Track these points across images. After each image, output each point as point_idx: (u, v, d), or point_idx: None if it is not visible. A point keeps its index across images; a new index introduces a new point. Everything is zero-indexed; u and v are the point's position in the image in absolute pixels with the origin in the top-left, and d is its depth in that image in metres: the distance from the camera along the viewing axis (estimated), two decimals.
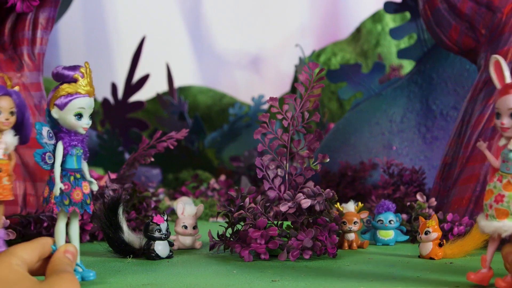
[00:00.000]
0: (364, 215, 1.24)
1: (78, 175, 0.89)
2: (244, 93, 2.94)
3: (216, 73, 3.30)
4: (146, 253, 1.09)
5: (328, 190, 1.12)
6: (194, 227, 1.21)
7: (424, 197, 1.35)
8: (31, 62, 1.42)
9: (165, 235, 1.10)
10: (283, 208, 1.09)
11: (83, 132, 0.89)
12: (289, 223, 1.11)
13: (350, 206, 1.24)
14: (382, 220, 1.26)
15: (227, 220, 1.15)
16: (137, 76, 2.31)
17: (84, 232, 1.30)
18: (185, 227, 1.20)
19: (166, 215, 1.11)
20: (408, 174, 1.51)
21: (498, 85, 0.86)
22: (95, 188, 0.91)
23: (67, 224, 0.90)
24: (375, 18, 2.83)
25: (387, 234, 1.26)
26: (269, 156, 1.13)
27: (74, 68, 0.88)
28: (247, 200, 1.12)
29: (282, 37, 3.18)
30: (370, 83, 2.00)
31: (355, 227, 1.21)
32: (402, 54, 2.00)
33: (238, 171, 2.12)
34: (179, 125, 2.35)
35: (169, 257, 1.11)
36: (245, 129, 2.43)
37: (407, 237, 1.28)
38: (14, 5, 1.33)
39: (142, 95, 2.39)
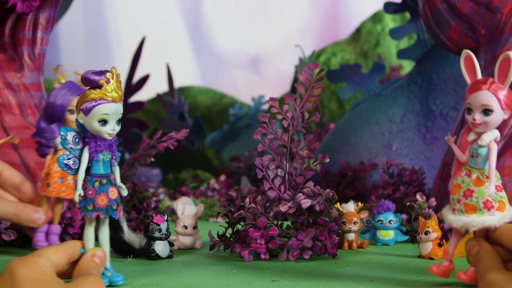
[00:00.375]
0: (364, 215, 1.24)
1: (104, 181, 0.88)
2: (244, 93, 2.94)
3: (216, 73, 3.30)
4: (146, 253, 1.10)
5: (328, 190, 1.12)
6: (194, 227, 1.21)
7: (424, 197, 1.35)
8: (32, 63, 1.42)
9: (165, 235, 1.10)
10: (283, 208, 1.10)
11: (109, 138, 0.88)
12: (289, 223, 1.11)
13: (350, 206, 1.24)
14: (382, 220, 1.26)
15: (227, 220, 1.15)
16: (137, 76, 2.31)
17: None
18: (185, 227, 1.20)
19: (166, 215, 1.12)
20: (408, 174, 1.51)
21: (468, 80, 0.87)
22: (124, 193, 0.90)
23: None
24: (375, 18, 2.83)
25: (387, 234, 1.26)
26: (269, 156, 1.13)
27: (101, 73, 0.86)
28: (247, 200, 1.12)
29: (282, 37, 3.18)
30: (370, 83, 2.00)
31: (355, 227, 1.21)
32: (402, 54, 2.00)
33: (238, 171, 2.12)
34: (179, 125, 2.35)
35: (169, 257, 1.11)
36: (245, 129, 2.43)
37: (407, 237, 1.28)
38: (14, 6, 1.33)
39: (142, 96, 2.39)
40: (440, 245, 1.11)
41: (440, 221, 1.20)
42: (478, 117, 0.85)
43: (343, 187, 1.80)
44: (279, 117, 1.12)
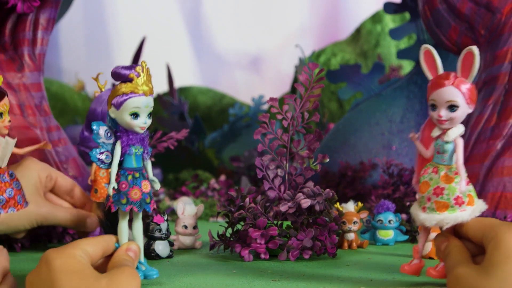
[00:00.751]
0: (364, 215, 1.24)
1: (137, 174, 0.88)
2: (244, 94, 2.94)
3: (216, 73, 3.30)
4: (147, 253, 1.10)
5: (328, 190, 1.13)
6: (194, 227, 1.21)
7: None
8: (32, 63, 1.42)
9: (165, 235, 1.10)
10: (283, 208, 1.10)
11: (140, 131, 0.88)
12: (289, 223, 1.11)
13: (350, 206, 1.24)
14: (381, 220, 1.26)
15: (227, 220, 1.15)
16: None
17: (85, 234, 1.30)
18: (185, 227, 1.20)
19: (166, 215, 1.12)
20: (407, 174, 1.52)
21: (429, 76, 0.86)
22: (157, 187, 0.91)
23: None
24: (375, 18, 2.83)
25: (387, 234, 1.27)
26: (269, 156, 1.13)
27: (131, 67, 0.87)
28: (247, 200, 1.13)
29: (282, 37, 3.18)
30: (370, 83, 2.00)
31: (354, 227, 1.22)
32: (401, 54, 2.00)
33: (238, 171, 2.13)
34: (179, 125, 2.36)
35: (169, 257, 1.12)
36: (245, 129, 2.43)
37: (406, 237, 1.28)
38: (14, 6, 1.33)
39: None
40: None
41: None
42: (444, 113, 0.84)
43: (343, 187, 1.80)
44: (279, 117, 1.12)
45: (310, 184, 1.12)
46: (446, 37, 1.48)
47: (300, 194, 1.11)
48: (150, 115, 0.88)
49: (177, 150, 2.17)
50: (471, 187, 0.86)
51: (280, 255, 1.08)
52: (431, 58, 0.86)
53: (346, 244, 1.22)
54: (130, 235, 1.12)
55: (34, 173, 1.14)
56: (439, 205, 0.85)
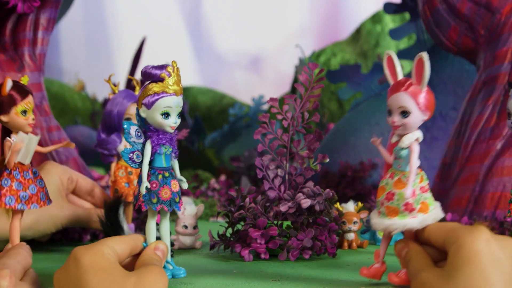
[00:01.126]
0: (364, 215, 1.24)
1: (166, 174, 0.89)
2: (244, 94, 2.94)
3: (216, 73, 3.30)
4: None
5: (328, 190, 1.13)
6: (195, 227, 1.21)
7: None
8: (32, 63, 1.43)
9: None
10: (283, 208, 1.10)
11: (171, 131, 0.88)
12: (289, 223, 1.11)
13: (350, 206, 1.24)
14: None
15: (227, 220, 1.15)
16: (137, 76, 2.31)
17: (85, 232, 1.30)
18: (186, 227, 1.20)
19: None
20: None
21: (390, 82, 0.86)
22: (185, 186, 0.91)
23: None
24: (375, 18, 2.83)
25: None
26: (269, 156, 1.14)
27: (162, 67, 0.87)
28: (247, 200, 1.13)
29: (282, 38, 3.18)
30: (370, 83, 2.01)
31: (354, 227, 1.22)
32: (401, 54, 2.01)
33: (238, 171, 2.13)
34: (179, 125, 2.35)
35: None
36: (245, 129, 2.43)
37: None
38: (15, 6, 1.33)
39: None
40: None
41: (440, 221, 1.21)
42: (397, 118, 0.84)
43: (343, 187, 1.80)
44: (279, 117, 1.12)
45: (310, 184, 1.13)
46: (446, 37, 1.48)
47: (300, 194, 1.11)
48: (180, 114, 0.89)
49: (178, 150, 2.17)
50: (428, 194, 0.85)
51: (280, 255, 1.08)
52: (393, 64, 0.86)
53: (346, 244, 1.22)
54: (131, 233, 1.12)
55: (55, 177, 1.16)
56: (390, 210, 0.85)
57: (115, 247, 0.81)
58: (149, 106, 0.86)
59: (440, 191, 1.44)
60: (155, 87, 0.87)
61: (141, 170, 0.88)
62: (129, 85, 2.31)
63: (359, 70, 2.03)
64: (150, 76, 0.87)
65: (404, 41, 2.70)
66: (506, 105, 0.91)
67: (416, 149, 0.84)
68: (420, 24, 1.91)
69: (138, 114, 0.88)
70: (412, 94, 0.83)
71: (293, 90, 2.55)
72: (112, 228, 1.12)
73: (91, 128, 2.63)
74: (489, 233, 0.74)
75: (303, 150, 1.13)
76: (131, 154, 0.88)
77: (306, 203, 1.09)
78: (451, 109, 1.83)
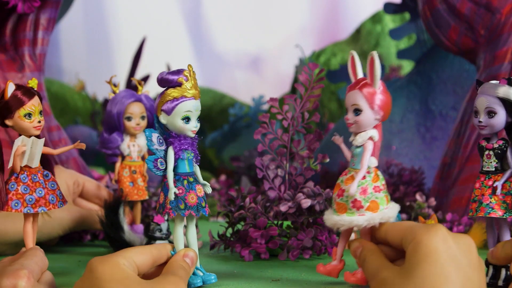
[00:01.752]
0: None
1: (191, 179, 0.88)
2: (244, 94, 2.94)
3: (216, 73, 3.30)
4: None
5: (328, 190, 1.13)
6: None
7: (424, 197, 1.35)
8: (32, 63, 1.43)
9: (165, 235, 1.11)
10: (283, 208, 1.10)
11: (192, 135, 0.88)
12: (289, 223, 1.11)
13: None
14: None
15: (228, 220, 1.16)
16: (137, 76, 2.31)
17: (85, 232, 1.31)
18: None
19: (167, 215, 1.12)
20: (407, 174, 1.52)
21: (352, 80, 0.87)
22: (208, 190, 0.90)
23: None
24: (375, 18, 2.83)
25: None
26: (269, 156, 1.14)
27: (178, 72, 0.87)
28: (247, 200, 1.13)
29: (282, 38, 3.18)
30: None
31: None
32: (401, 54, 2.01)
33: (238, 171, 2.13)
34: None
35: None
36: (245, 129, 2.43)
37: None
38: (15, 6, 1.33)
39: None
40: None
41: (440, 221, 1.21)
42: (350, 116, 0.86)
43: None
44: (279, 117, 1.12)
45: (310, 184, 1.13)
46: (446, 37, 1.49)
47: (300, 194, 1.11)
48: (199, 119, 0.88)
49: None
50: (381, 194, 0.86)
51: (280, 255, 1.08)
52: (354, 64, 0.87)
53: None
54: (137, 240, 1.12)
55: (61, 181, 1.16)
56: (339, 206, 0.86)
57: (133, 258, 0.81)
58: (169, 112, 0.86)
59: (440, 191, 1.44)
60: (173, 92, 0.86)
61: (164, 177, 0.88)
62: (129, 85, 2.32)
63: None
64: (167, 82, 0.86)
65: (404, 41, 2.70)
66: (474, 104, 0.90)
67: (369, 147, 0.85)
68: (420, 24, 1.91)
69: (157, 121, 0.88)
70: (365, 92, 0.84)
71: (293, 90, 2.55)
72: (112, 227, 1.12)
73: (91, 128, 2.63)
74: (445, 231, 0.75)
75: (303, 150, 1.13)
76: (155, 162, 0.87)
77: (306, 203, 1.10)
78: (451, 109, 1.83)
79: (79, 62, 2.98)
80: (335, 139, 0.91)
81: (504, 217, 0.88)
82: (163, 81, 0.87)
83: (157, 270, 0.85)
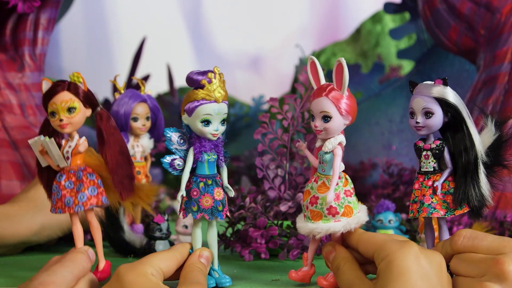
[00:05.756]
0: None
1: (209, 181, 0.88)
2: (244, 93, 2.94)
3: None
4: (147, 253, 1.10)
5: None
6: None
7: None
8: (33, 63, 1.43)
9: (165, 234, 1.11)
10: (283, 208, 1.10)
11: (213, 138, 0.87)
12: (289, 223, 1.11)
13: None
14: (381, 220, 1.26)
15: (228, 219, 1.15)
16: (138, 76, 2.31)
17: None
18: (186, 226, 1.20)
19: (166, 215, 1.12)
20: (407, 174, 1.52)
21: (314, 86, 0.87)
22: (231, 194, 0.90)
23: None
24: (375, 18, 2.83)
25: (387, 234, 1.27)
26: (269, 156, 1.14)
27: (204, 73, 0.86)
28: (247, 200, 1.13)
29: (282, 37, 3.18)
30: (370, 83, 2.01)
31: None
32: (401, 54, 2.01)
33: (238, 171, 2.13)
34: (179, 125, 2.35)
35: None
36: (245, 129, 2.43)
37: (406, 237, 1.28)
38: (15, 6, 1.33)
39: None
40: None
41: None
42: (319, 123, 0.85)
43: None
44: (279, 117, 1.12)
45: None
46: (446, 37, 1.49)
47: (300, 194, 1.11)
48: (224, 121, 0.87)
49: None
50: (352, 198, 0.86)
51: (280, 255, 1.08)
52: (315, 69, 0.86)
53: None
54: (137, 239, 1.12)
55: None
56: (314, 214, 0.86)
57: (160, 265, 0.81)
58: (189, 113, 0.86)
59: None
60: (195, 93, 0.86)
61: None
62: (130, 84, 2.31)
63: (359, 70, 2.04)
64: (193, 82, 0.86)
65: (404, 41, 2.70)
66: (409, 105, 0.90)
67: (339, 153, 0.85)
68: (420, 24, 1.91)
69: (183, 121, 0.88)
70: (333, 99, 0.84)
71: (293, 90, 2.55)
72: (112, 227, 1.12)
73: (91, 128, 2.63)
74: (417, 248, 0.76)
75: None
76: (172, 162, 0.87)
77: None
78: None
79: (79, 62, 2.98)
80: (299, 145, 0.90)
81: (446, 216, 0.88)
82: (189, 81, 0.86)
83: (178, 269, 0.86)
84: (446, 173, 0.88)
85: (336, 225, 0.84)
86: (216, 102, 0.86)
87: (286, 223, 1.11)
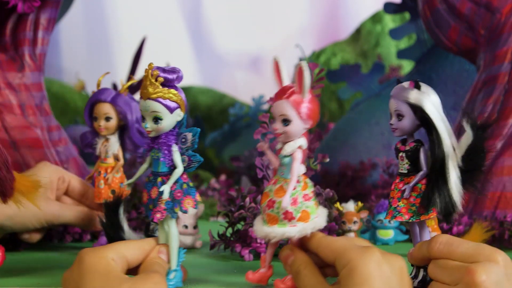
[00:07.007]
0: (364, 214, 1.24)
1: (151, 178, 0.89)
2: (244, 93, 2.94)
3: (216, 73, 3.30)
4: None
5: (328, 190, 1.13)
6: (195, 227, 1.21)
7: None
8: (33, 63, 1.43)
9: None
10: None
11: (148, 135, 0.88)
12: None
13: (350, 206, 1.24)
14: (381, 220, 1.26)
15: (228, 219, 1.16)
16: (138, 76, 2.31)
17: (86, 232, 1.31)
18: (186, 226, 1.20)
19: None
20: None
21: (278, 87, 0.86)
22: (163, 196, 0.89)
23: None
24: (375, 18, 2.82)
25: (387, 234, 1.27)
26: None
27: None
28: (247, 199, 1.13)
29: (282, 37, 3.18)
30: (370, 83, 2.01)
31: (354, 227, 1.22)
32: (401, 54, 2.01)
33: (238, 171, 2.13)
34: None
35: None
36: (245, 129, 2.43)
37: (406, 237, 1.28)
38: (15, 6, 1.33)
39: None
40: None
41: (440, 221, 1.21)
42: (278, 126, 0.84)
43: (343, 187, 1.80)
44: None
45: None
46: (446, 37, 1.49)
47: None
48: (157, 119, 0.87)
49: None
50: (310, 203, 0.85)
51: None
52: (279, 70, 0.86)
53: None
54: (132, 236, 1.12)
55: (45, 175, 1.15)
56: (270, 218, 0.84)
57: (123, 252, 0.82)
58: None
59: None
60: None
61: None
62: (131, 84, 2.31)
63: (359, 70, 2.04)
64: None
65: (404, 41, 2.70)
66: (389, 105, 0.90)
67: (298, 157, 0.83)
68: (420, 24, 1.91)
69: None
70: (293, 102, 0.83)
71: None
72: (112, 227, 1.12)
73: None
74: (379, 254, 0.76)
75: None
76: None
77: None
78: (451, 109, 1.83)
79: (79, 62, 2.98)
80: (260, 146, 0.89)
81: (411, 220, 0.88)
82: None
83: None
84: (418, 176, 0.88)
85: (292, 230, 0.83)
86: (142, 98, 0.87)
87: None
